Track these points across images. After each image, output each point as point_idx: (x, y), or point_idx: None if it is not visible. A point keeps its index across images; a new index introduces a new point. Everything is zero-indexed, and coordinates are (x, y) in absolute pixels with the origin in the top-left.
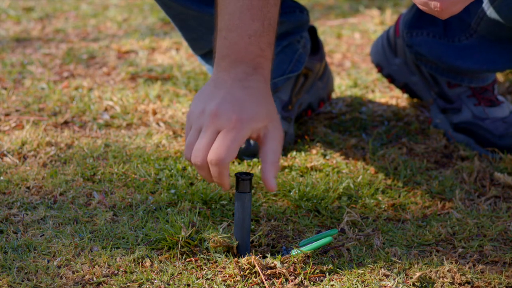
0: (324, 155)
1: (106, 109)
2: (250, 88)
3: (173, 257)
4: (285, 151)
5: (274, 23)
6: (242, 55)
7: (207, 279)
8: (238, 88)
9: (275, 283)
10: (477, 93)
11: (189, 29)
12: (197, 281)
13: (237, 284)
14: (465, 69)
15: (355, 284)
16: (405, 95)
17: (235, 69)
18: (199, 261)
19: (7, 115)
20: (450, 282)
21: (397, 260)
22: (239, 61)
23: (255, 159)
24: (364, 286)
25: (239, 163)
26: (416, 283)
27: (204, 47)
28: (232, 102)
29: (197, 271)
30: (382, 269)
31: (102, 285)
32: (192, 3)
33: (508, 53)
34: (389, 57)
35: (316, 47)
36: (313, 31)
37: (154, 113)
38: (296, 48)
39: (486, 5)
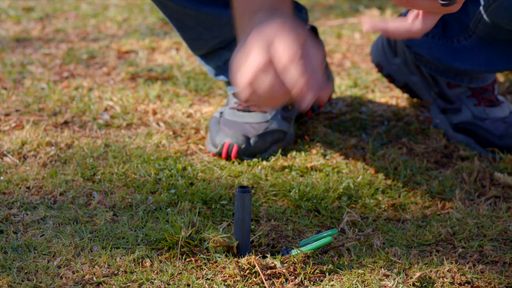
0: (324, 155)
1: (106, 109)
2: (276, 21)
3: (173, 257)
4: (285, 151)
5: None
6: (259, 5)
7: (207, 279)
8: (269, 21)
9: (275, 283)
10: (477, 93)
11: (186, 29)
12: (197, 281)
13: (237, 284)
14: (464, 70)
15: (355, 284)
16: (405, 95)
17: (254, 18)
18: (199, 261)
19: (7, 115)
20: (450, 282)
21: (397, 260)
22: (256, 10)
23: (255, 159)
24: (364, 286)
25: (239, 163)
26: (416, 283)
27: (203, 47)
28: (273, 29)
29: (197, 271)
30: (382, 269)
31: (102, 285)
32: (189, 2)
33: (507, 54)
34: (389, 56)
35: None
36: (313, 31)
37: (154, 113)
38: None
39: (483, 7)
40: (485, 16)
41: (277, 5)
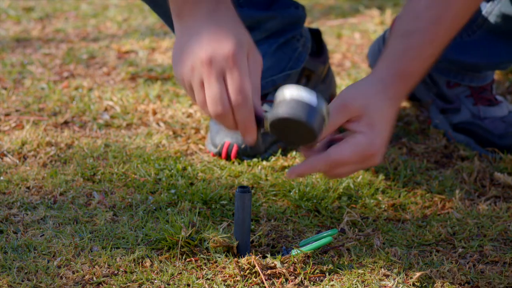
0: None
1: (106, 109)
2: (221, 21)
3: (173, 257)
4: (285, 151)
5: None
6: None
7: (207, 279)
8: (211, 25)
9: (275, 283)
10: (475, 93)
11: (157, 5)
12: (197, 281)
13: (237, 284)
14: (468, 63)
15: (355, 284)
16: None
17: (198, 10)
18: (199, 261)
19: (7, 115)
20: (450, 282)
21: (397, 260)
22: (199, 1)
23: (255, 159)
24: (364, 286)
25: (239, 163)
26: (416, 283)
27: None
28: (216, 40)
29: (197, 271)
30: (382, 269)
31: (102, 285)
32: None
33: None
34: None
35: (320, 49)
36: (317, 34)
37: (154, 113)
38: (295, 46)
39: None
40: (498, 7)
41: None
